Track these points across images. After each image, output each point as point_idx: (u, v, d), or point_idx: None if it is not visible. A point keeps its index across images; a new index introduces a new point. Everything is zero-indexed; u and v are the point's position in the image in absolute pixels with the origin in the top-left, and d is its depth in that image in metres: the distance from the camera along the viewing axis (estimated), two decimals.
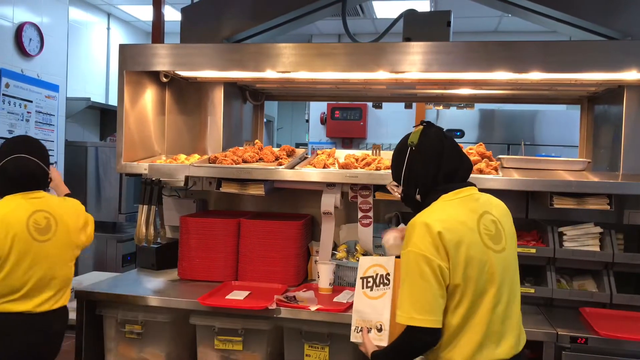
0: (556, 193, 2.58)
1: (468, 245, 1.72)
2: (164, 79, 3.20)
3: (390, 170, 2.02)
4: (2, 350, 2.37)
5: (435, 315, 1.69)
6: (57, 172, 2.98)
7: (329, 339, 2.47)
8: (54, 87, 4.94)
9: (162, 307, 2.60)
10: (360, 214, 2.85)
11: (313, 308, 2.43)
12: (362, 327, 1.90)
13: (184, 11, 3.33)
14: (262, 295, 2.60)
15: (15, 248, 2.37)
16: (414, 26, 3.01)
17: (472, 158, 2.72)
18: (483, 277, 1.73)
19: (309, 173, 2.75)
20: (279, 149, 3.09)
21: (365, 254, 2.84)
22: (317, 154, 3.01)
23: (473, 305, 1.72)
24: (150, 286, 2.85)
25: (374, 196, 2.81)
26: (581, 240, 2.62)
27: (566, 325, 2.34)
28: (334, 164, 2.86)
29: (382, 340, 1.84)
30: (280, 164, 2.83)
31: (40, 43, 4.76)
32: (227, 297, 2.58)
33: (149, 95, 3.18)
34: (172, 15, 5.76)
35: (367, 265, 1.95)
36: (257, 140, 3.20)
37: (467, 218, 1.77)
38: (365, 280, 1.93)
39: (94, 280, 2.99)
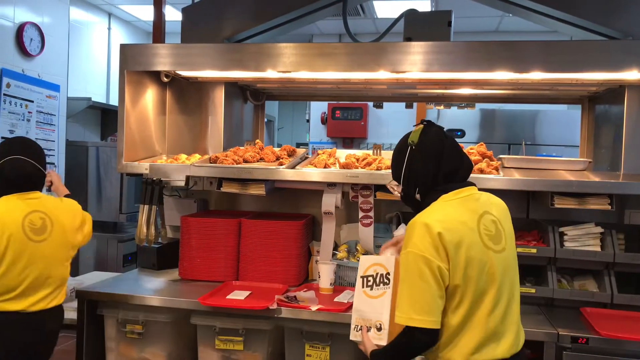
0: (557, 193, 2.58)
1: (468, 245, 1.72)
2: (165, 79, 3.20)
3: (390, 170, 2.02)
4: None
5: (433, 316, 1.69)
6: (56, 175, 2.99)
7: (329, 339, 2.47)
8: (55, 87, 4.94)
9: (163, 307, 2.60)
10: (361, 214, 2.85)
11: (314, 308, 2.43)
12: (361, 326, 1.90)
13: (184, 11, 3.33)
14: (263, 295, 2.60)
15: (11, 248, 2.39)
16: (415, 26, 3.01)
17: (473, 158, 2.72)
18: (483, 278, 1.73)
19: (310, 173, 2.75)
20: (279, 148, 3.09)
21: (366, 253, 2.84)
22: (318, 154, 3.01)
23: (473, 306, 1.72)
24: (151, 286, 2.85)
25: (375, 196, 2.81)
26: (582, 240, 2.61)
27: (567, 325, 2.34)
28: (334, 163, 2.86)
29: (381, 339, 1.84)
30: (281, 164, 2.83)
31: (41, 43, 4.76)
32: (228, 297, 2.58)
33: (150, 95, 3.18)
34: (172, 15, 5.76)
35: (367, 264, 1.95)
36: (257, 140, 3.21)
37: (467, 218, 1.77)
38: (365, 279, 1.93)
39: (95, 280, 2.99)
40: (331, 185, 2.86)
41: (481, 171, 2.63)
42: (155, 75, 3.17)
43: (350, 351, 2.43)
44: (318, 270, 2.75)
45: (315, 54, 2.71)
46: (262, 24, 3.25)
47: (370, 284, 1.91)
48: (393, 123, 6.34)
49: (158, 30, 3.41)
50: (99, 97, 6.52)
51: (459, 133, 6.13)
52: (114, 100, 6.73)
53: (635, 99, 2.75)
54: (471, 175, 1.95)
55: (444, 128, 1.93)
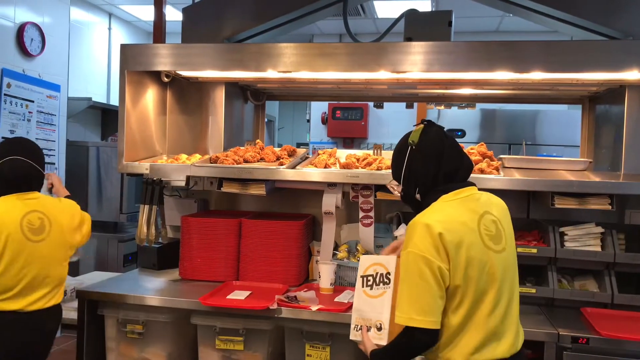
0: (557, 193, 2.58)
1: (469, 246, 1.72)
2: (165, 79, 3.21)
3: (391, 170, 2.02)
4: None
5: (434, 316, 1.69)
6: (56, 178, 3.00)
7: (330, 339, 2.47)
8: (56, 87, 4.94)
9: (163, 307, 2.60)
10: (361, 214, 2.85)
11: (314, 308, 2.43)
12: (361, 326, 1.90)
13: (185, 11, 3.33)
14: (263, 295, 2.60)
15: (9, 248, 2.40)
16: (415, 26, 3.00)
17: (473, 158, 2.72)
18: (484, 278, 1.73)
19: (310, 173, 2.75)
20: (280, 148, 3.09)
21: (366, 253, 2.84)
22: (319, 154, 3.01)
23: (474, 306, 1.72)
24: (152, 286, 2.85)
25: (375, 196, 2.81)
26: (582, 240, 2.61)
27: (567, 325, 2.34)
28: (335, 163, 2.86)
29: (381, 339, 1.84)
30: (281, 164, 2.83)
31: (42, 43, 4.76)
32: (228, 297, 2.58)
33: (150, 95, 3.18)
34: (173, 15, 5.76)
35: (367, 263, 1.95)
36: (258, 140, 3.21)
37: (467, 218, 1.77)
38: (365, 278, 1.93)
39: (96, 280, 2.99)
40: (331, 185, 2.86)
41: (482, 171, 2.63)
42: (156, 75, 3.18)
43: (350, 351, 2.43)
44: (318, 270, 2.75)
45: (315, 54, 2.71)
46: (262, 24, 3.25)
47: (370, 283, 1.91)
48: (393, 123, 6.34)
49: (158, 30, 3.42)
50: (99, 97, 6.52)
51: (459, 133, 6.13)
52: (114, 100, 6.73)
53: (636, 99, 2.75)
54: (471, 175, 1.95)
55: (444, 128, 1.93)
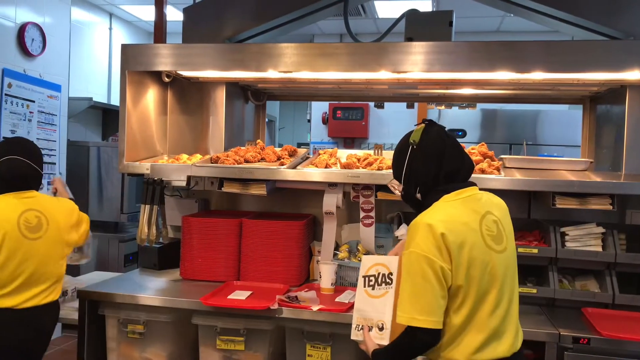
0: (558, 193, 2.58)
1: (471, 246, 1.72)
2: (166, 79, 3.21)
3: (391, 170, 2.02)
4: None
5: (436, 316, 1.69)
6: (60, 183, 3.00)
7: (330, 339, 2.47)
8: (56, 87, 4.94)
9: (164, 307, 2.60)
10: (362, 214, 2.85)
11: (315, 308, 2.43)
12: (362, 326, 1.90)
13: (186, 11, 3.33)
14: (264, 295, 2.60)
15: (6, 246, 2.42)
16: (416, 26, 3.00)
17: (474, 158, 2.71)
18: (485, 278, 1.73)
19: (311, 173, 2.75)
20: (281, 148, 3.09)
21: (367, 253, 2.84)
22: (319, 154, 3.01)
23: (475, 306, 1.72)
24: (153, 286, 2.85)
25: (376, 196, 2.81)
26: (583, 240, 2.61)
27: (568, 325, 2.34)
28: (335, 163, 2.86)
29: (383, 339, 1.84)
30: (282, 164, 2.83)
31: (43, 43, 4.77)
32: (229, 297, 2.58)
33: (151, 95, 3.19)
34: (174, 15, 5.76)
35: (369, 264, 1.95)
36: (259, 140, 3.21)
37: (469, 219, 1.77)
38: (367, 278, 1.93)
39: (96, 280, 2.99)
40: (332, 185, 2.86)
41: (482, 171, 2.62)
42: (157, 76, 3.18)
43: (351, 351, 2.43)
44: (319, 270, 2.75)
45: (316, 54, 2.71)
46: (263, 24, 3.25)
47: (372, 283, 1.91)
48: (394, 123, 6.34)
49: (159, 30, 3.42)
50: (100, 97, 6.52)
51: (460, 133, 6.12)
52: (115, 100, 6.73)
53: (637, 99, 2.75)
54: (472, 175, 1.95)
55: (445, 127, 1.93)
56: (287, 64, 2.72)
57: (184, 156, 3.08)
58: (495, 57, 2.55)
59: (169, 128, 3.36)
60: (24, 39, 4.54)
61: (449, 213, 1.77)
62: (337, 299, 2.58)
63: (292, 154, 3.04)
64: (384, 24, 6.80)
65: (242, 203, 3.37)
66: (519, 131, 6.12)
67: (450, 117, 6.20)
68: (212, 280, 2.89)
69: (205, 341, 2.58)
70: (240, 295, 2.60)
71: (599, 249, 2.59)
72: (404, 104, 3.95)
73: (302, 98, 4.01)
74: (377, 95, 3.69)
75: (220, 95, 3.28)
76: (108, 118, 6.36)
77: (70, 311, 2.88)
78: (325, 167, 2.80)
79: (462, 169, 1.89)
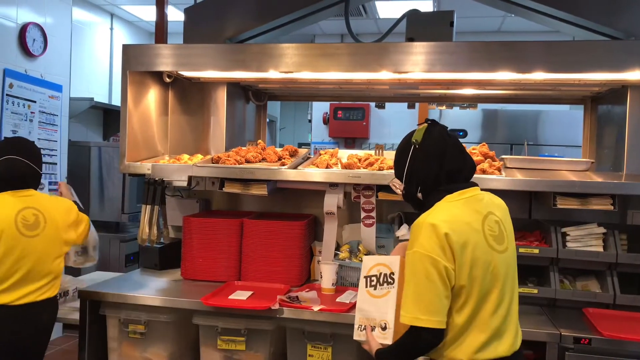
0: (559, 193, 2.58)
1: (474, 246, 1.72)
2: (167, 79, 3.21)
3: (393, 171, 2.02)
4: None
5: (439, 316, 1.69)
6: (65, 187, 3.01)
7: (331, 339, 2.47)
8: (58, 87, 4.94)
9: (165, 307, 2.60)
10: (363, 214, 2.85)
11: (316, 308, 2.43)
12: (365, 326, 1.90)
13: (187, 11, 3.33)
14: (264, 296, 2.60)
15: (3, 243, 2.44)
16: (417, 26, 3.00)
17: (475, 158, 2.71)
18: (487, 278, 1.73)
19: (312, 173, 2.75)
20: (281, 149, 3.09)
21: (368, 254, 2.84)
22: (320, 154, 3.01)
23: (478, 305, 1.73)
24: (153, 286, 2.85)
25: (377, 196, 2.81)
26: (584, 240, 2.61)
27: (569, 325, 2.34)
28: (336, 164, 2.86)
29: (386, 338, 1.84)
30: (283, 164, 2.83)
31: (44, 43, 4.77)
32: (230, 297, 2.58)
33: (152, 95, 3.19)
34: (175, 15, 5.77)
35: (370, 264, 1.95)
36: (260, 141, 3.21)
37: (472, 219, 1.77)
38: (369, 279, 1.93)
39: (97, 280, 2.99)
40: (333, 185, 2.86)
41: (483, 171, 2.62)
42: (158, 76, 3.18)
43: (352, 351, 2.43)
44: (320, 270, 2.75)
45: (317, 54, 2.71)
46: (264, 24, 3.25)
47: (374, 283, 1.91)
48: (395, 123, 6.34)
49: (160, 30, 3.42)
50: (101, 98, 6.52)
51: (461, 133, 6.12)
52: (116, 101, 6.74)
53: (638, 99, 2.75)
54: (474, 175, 1.95)
55: (447, 127, 1.94)
56: (288, 64, 2.72)
57: (185, 156, 3.08)
58: (496, 57, 2.55)
59: (170, 128, 3.36)
60: (25, 39, 4.55)
61: (452, 213, 1.77)
62: (338, 299, 2.58)
63: (293, 154, 3.04)
64: (385, 24, 6.80)
65: (243, 203, 3.37)
66: (520, 131, 6.12)
67: (451, 118, 6.20)
68: (213, 280, 2.89)
69: (206, 341, 2.58)
70: (241, 296, 2.60)
71: (600, 249, 2.59)
72: (405, 104, 3.94)
73: (303, 98, 4.01)
74: (378, 95, 3.69)
75: (221, 96, 3.28)
76: (109, 118, 6.37)
77: (71, 311, 2.88)
78: (326, 168, 2.80)
79: (464, 169, 1.89)
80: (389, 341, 1.83)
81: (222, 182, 2.90)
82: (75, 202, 2.85)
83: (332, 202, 2.84)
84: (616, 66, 2.48)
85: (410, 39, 2.93)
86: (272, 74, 2.85)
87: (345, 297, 2.59)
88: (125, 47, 2.96)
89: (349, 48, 2.69)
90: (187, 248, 2.97)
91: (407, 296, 1.73)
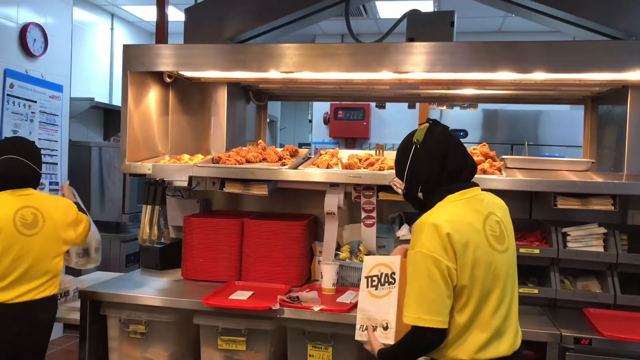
0: (560, 193, 2.58)
1: (475, 246, 1.73)
2: (168, 79, 3.21)
3: (393, 171, 2.02)
4: None
5: (442, 315, 1.69)
6: (68, 189, 3.01)
7: (332, 339, 2.47)
8: (58, 88, 4.95)
9: (165, 307, 2.60)
10: (363, 214, 2.85)
11: (316, 308, 2.43)
12: (367, 326, 1.90)
13: (187, 12, 3.33)
14: (265, 296, 2.60)
15: (1, 241, 2.45)
16: (418, 26, 3.00)
17: (475, 158, 2.70)
18: (489, 278, 1.74)
19: (313, 173, 2.75)
20: (282, 149, 3.09)
21: (368, 254, 2.84)
22: (321, 154, 3.02)
23: (479, 305, 1.73)
24: (154, 286, 2.85)
25: (378, 196, 2.81)
26: (585, 240, 2.61)
27: (570, 326, 2.34)
28: (337, 164, 2.86)
29: (388, 338, 1.84)
30: (283, 164, 2.83)
31: (45, 43, 4.77)
32: (231, 297, 2.58)
33: (153, 95, 3.19)
34: (175, 15, 5.77)
35: (371, 264, 1.95)
36: (260, 141, 3.21)
37: (473, 219, 1.77)
38: (370, 279, 1.93)
39: (98, 280, 2.99)
40: (334, 185, 2.86)
41: (484, 172, 2.62)
42: (158, 76, 3.18)
43: (353, 351, 2.43)
44: (320, 270, 2.75)
45: (317, 54, 2.71)
46: (264, 24, 3.25)
47: (375, 284, 1.92)
48: (395, 123, 6.34)
49: (161, 30, 3.42)
50: (101, 98, 6.52)
51: (461, 133, 6.12)
52: (116, 101, 6.74)
53: (638, 99, 2.74)
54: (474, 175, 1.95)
55: (449, 127, 1.94)
56: (289, 64, 2.73)
57: (186, 156, 3.08)
58: (497, 57, 2.55)
59: (170, 128, 3.36)
60: (25, 40, 4.55)
61: (453, 213, 1.77)
62: (338, 299, 2.58)
63: (293, 154, 3.04)
64: (385, 24, 6.80)
65: (243, 203, 3.37)
66: (520, 131, 6.12)
67: (451, 118, 6.20)
68: (214, 280, 2.89)
69: (206, 341, 2.58)
70: (241, 296, 2.60)
71: (601, 249, 2.59)
72: (406, 105, 3.95)
73: (304, 98, 4.01)
74: (379, 95, 3.69)
75: (222, 96, 3.28)
76: (110, 118, 6.37)
77: (71, 311, 2.88)
78: (327, 168, 2.80)
79: (465, 169, 1.89)
80: (391, 341, 1.83)
81: (222, 182, 2.91)
82: (76, 203, 2.85)
83: (332, 202, 2.84)
84: (617, 66, 2.48)
85: (411, 39, 2.93)
86: (273, 74, 2.86)
87: (345, 298, 2.59)
88: (126, 47, 2.97)
89: (349, 48, 2.69)
90: (187, 248, 2.98)
91: (409, 296, 1.74)
